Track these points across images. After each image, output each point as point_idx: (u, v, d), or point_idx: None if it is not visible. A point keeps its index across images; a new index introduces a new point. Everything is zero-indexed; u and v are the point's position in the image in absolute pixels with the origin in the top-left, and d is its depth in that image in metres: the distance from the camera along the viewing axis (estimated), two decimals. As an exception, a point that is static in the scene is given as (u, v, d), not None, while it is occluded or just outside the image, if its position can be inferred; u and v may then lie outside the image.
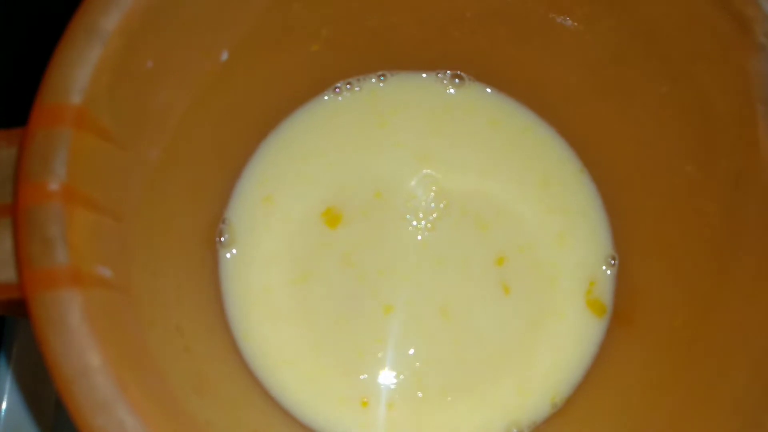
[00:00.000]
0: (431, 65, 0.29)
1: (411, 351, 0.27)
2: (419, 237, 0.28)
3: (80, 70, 0.18)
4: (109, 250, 0.19)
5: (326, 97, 0.29)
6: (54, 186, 0.17)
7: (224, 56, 0.23)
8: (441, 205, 0.29)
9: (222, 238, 0.28)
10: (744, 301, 0.21)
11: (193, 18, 0.21)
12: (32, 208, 0.17)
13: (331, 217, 0.28)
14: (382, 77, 0.30)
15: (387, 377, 0.27)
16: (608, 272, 0.28)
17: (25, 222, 0.17)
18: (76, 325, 0.16)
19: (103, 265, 0.18)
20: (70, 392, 0.16)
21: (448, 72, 0.30)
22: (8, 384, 0.28)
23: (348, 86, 0.29)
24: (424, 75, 0.30)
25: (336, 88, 0.29)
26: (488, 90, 0.30)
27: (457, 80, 0.30)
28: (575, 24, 0.24)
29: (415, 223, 0.28)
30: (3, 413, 0.28)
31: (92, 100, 0.18)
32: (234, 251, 0.28)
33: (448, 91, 0.30)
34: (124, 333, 0.18)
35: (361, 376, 0.27)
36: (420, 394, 0.27)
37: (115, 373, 0.17)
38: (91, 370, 0.16)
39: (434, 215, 0.29)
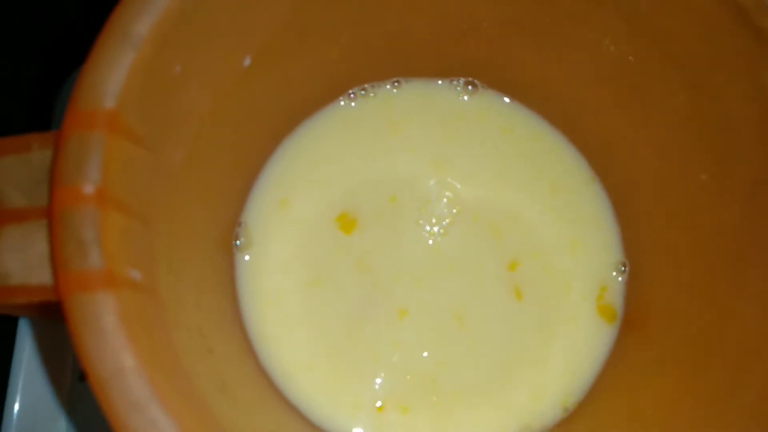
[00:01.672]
0: (445, 72, 0.30)
1: (425, 354, 0.27)
2: (431, 242, 0.28)
3: (114, 75, 0.18)
4: (139, 253, 0.19)
5: (341, 103, 0.30)
6: (88, 189, 0.17)
7: (247, 62, 0.24)
8: (454, 210, 0.29)
9: (238, 242, 0.28)
10: (760, 308, 0.21)
11: (220, 23, 0.21)
12: (67, 211, 0.17)
13: (346, 222, 0.29)
14: (396, 83, 0.30)
15: (401, 381, 0.27)
16: (619, 279, 0.29)
17: (60, 225, 0.17)
18: (110, 327, 0.17)
19: (134, 267, 0.18)
20: (105, 393, 0.16)
21: (462, 79, 0.30)
22: (21, 384, 0.28)
23: (362, 92, 0.30)
24: (438, 82, 0.30)
25: (350, 93, 0.30)
26: (502, 98, 0.30)
27: (470, 87, 0.30)
28: (592, 33, 0.25)
29: (428, 228, 0.29)
30: (16, 413, 0.28)
31: (125, 104, 0.18)
32: (250, 254, 0.28)
33: (461, 98, 0.30)
34: (154, 334, 0.18)
35: (376, 380, 0.27)
36: (434, 399, 0.27)
37: (148, 373, 0.17)
38: (126, 371, 0.17)
39: (447, 221, 0.29)
